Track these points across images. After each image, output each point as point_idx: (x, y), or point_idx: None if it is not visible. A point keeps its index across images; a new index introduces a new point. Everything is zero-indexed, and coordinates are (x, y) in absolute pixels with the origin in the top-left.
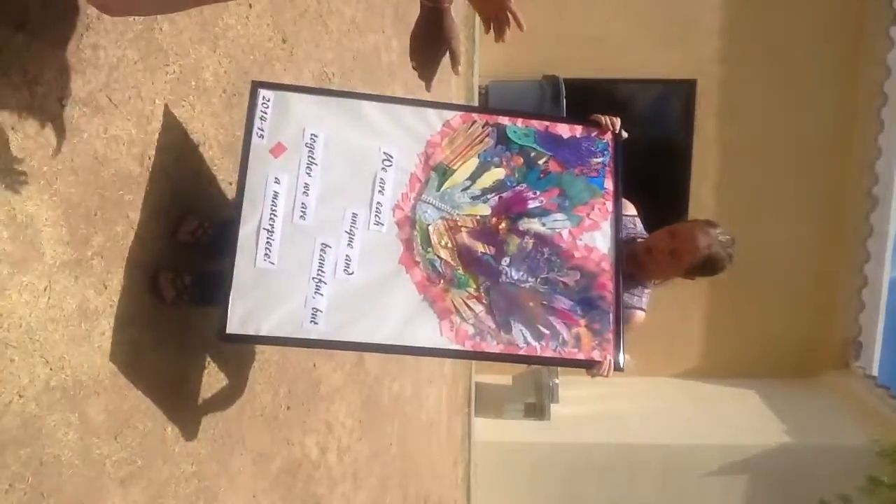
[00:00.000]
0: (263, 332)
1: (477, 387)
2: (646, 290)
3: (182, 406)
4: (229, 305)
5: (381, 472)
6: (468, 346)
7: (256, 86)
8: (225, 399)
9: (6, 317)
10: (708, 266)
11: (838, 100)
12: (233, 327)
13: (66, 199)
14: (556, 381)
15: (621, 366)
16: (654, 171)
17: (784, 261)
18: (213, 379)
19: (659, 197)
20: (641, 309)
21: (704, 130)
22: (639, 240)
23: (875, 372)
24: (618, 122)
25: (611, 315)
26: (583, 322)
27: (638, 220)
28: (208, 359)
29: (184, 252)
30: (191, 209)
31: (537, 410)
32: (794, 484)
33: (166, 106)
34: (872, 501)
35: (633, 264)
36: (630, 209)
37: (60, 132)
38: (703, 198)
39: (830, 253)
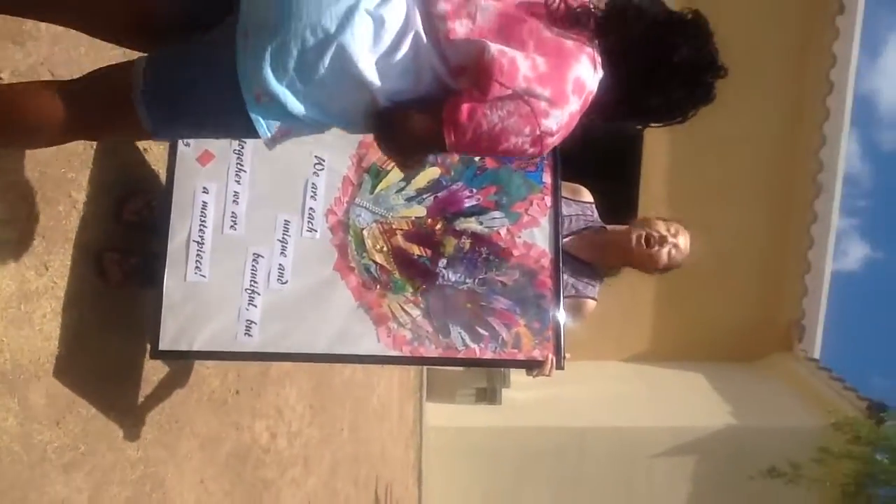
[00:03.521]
0: (196, 347)
1: (429, 371)
2: (599, 280)
3: (126, 390)
4: (161, 323)
5: (331, 456)
6: (406, 352)
7: None
8: (171, 383)
9: None
10: (675, 266)
11: (785, 89)
12: (165, 344)
13: (3, 175)
14: None
15: (562, 365)
16: (604, 157)
17: (731, 246)
18: (158, 363)
19: (609, 182)
20: (593, 298)
21: None
22: (608, 228)
23: (817, 355)
24: None
25: (550, 313)
26: (522, 322)
27: (594, 208)
28: None
29: (129, 232)
30: (136, 188)
31: (489, 395)
32: (740, 464)
33: None
34: (822, 471)
35: (592, 253)
36: (586, 196)
37: None
38: (653, 183)
39: (775, 239)
